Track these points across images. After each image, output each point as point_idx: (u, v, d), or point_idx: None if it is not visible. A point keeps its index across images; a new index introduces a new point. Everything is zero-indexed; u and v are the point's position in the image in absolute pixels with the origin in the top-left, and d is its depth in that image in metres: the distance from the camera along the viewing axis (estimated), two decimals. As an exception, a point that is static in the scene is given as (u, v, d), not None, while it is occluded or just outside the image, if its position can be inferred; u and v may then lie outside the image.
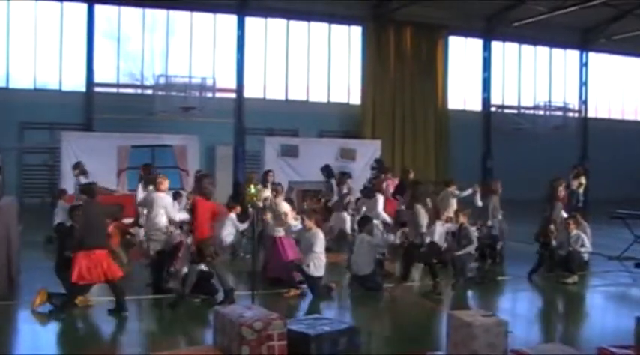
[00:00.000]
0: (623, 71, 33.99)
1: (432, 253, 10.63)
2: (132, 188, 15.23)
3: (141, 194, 11.30)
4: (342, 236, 13.78)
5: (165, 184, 10.44)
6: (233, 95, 25.67)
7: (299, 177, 20.48)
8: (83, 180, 14.65)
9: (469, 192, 14.64)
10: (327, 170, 17.67)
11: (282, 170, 19.54)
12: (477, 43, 30.29)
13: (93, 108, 23.51)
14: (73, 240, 8.92)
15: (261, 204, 13.37)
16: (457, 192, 14.47)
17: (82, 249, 8.53)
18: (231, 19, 25.75)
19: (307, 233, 10.30)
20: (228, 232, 13.12)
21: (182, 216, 10.41)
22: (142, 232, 12.01)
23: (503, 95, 31.14)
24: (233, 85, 25.71)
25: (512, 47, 31.13)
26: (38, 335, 8.20)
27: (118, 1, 24.27)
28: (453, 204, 14.07)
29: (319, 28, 27.34)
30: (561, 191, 12.86)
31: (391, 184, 15.79)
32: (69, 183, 17.14)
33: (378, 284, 10.46)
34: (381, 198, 12.76)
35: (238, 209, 13.16)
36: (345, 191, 15.43)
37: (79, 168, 15.58)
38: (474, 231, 11.96)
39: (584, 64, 32.88)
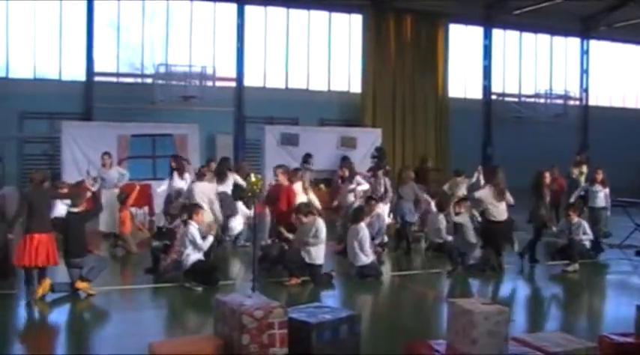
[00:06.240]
0: (624, 59, 33.81)
1: None
2: (132, 177, 15.20)
3: (179, 183, 12.56)
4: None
5: (209, 175, 11.67)
6: (233, 84, 25.60)
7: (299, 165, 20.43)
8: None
9: (476, 176, 14.79)
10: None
11: (282, 159, 19.42)
12: (477, 31, 30.15)
13: (93, 98, 23.43)
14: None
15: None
16: (466, 180, 14.76)
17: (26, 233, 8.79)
18: (231, 8, 25.62)
19: (307, 221, 10.26)
20: (239, 221, 12.96)
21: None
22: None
23: (504, 83, 31.03)
24: (233, 74, 25.63)
25: (513, 35, 30.99)
26: (39, 324, 8.23)
27: (118, -10, 24.19)
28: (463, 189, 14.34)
29: (319, 16, 27.22)
30: (547, 177, 12.91)
31: None
32: (69, 172, 17.16)
33: (377, 272, 10.46)
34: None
35: None
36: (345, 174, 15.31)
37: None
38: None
39: (585, 52, 32.74)
